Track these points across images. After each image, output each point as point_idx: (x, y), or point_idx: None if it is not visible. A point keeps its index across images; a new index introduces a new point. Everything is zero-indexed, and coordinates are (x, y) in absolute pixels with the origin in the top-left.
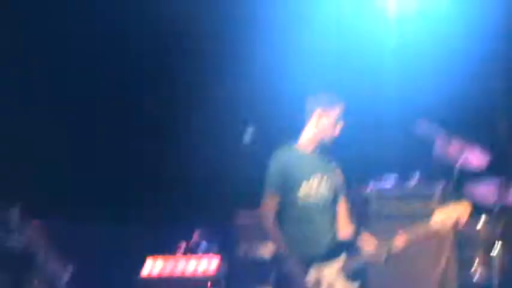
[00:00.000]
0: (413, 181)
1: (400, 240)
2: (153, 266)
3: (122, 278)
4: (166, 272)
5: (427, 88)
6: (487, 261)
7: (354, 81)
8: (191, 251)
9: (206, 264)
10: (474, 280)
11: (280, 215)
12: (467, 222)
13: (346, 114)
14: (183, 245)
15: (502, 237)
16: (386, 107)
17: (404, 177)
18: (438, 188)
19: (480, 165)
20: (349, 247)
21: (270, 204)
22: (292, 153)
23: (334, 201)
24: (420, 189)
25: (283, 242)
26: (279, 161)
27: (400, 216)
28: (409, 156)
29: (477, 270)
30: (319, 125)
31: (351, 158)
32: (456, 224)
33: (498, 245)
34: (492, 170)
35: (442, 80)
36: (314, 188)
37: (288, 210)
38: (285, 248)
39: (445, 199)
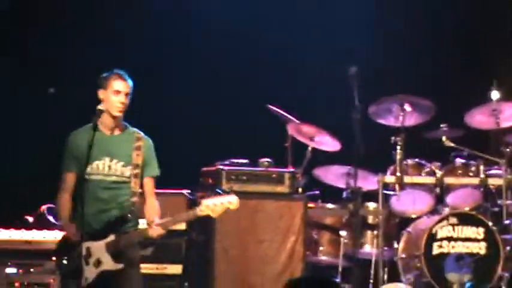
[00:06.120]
0: (264, 164)
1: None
2: None
3: None
4: None
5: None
6: (334, 242)
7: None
8: None
9: None
10: (321, 259)
11: (75, 193)
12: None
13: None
14: None
15: (349, 219)
16: (235, 91)
17: (255, 160)
18: (288, 170)
19: (330, 151)
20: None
21: (67, 183)
22: (87, 135)
23: (129, 179)
24: (270, 172)
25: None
26: (73, 141)
27: (250, 195)
28: (261, 140)
29: (324, 251)
30: (104, 103)
31: (199, 141)
32: (223, 213)
33: (346, 227)
34: (341, 157)
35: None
36: (102, 166)
37: (79, 187)
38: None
39: (294, 182)
